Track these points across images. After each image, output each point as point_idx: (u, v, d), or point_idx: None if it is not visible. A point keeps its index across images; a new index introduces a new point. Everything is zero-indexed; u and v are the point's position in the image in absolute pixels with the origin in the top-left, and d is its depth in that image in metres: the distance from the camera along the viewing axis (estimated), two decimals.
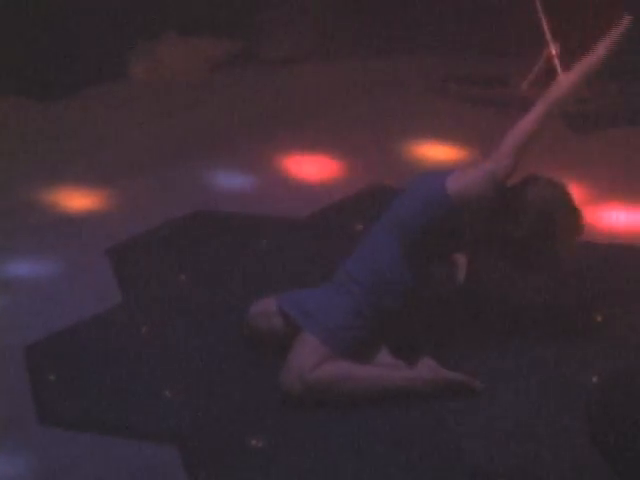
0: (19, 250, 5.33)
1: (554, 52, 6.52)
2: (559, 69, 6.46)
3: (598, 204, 5.65)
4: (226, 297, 4.91)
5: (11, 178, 5.96)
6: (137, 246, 5.34)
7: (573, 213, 4.39)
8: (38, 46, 6.94)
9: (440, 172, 4.47)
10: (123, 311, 4.86)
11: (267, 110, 6.65)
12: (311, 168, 6.02)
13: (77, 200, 5.78)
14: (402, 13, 7.48)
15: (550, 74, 6.48)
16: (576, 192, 5.49)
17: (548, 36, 6.51)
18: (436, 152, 6.17)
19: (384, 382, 4.24)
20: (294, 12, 7.73)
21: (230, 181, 5.96)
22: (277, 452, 3.96)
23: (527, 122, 4.32)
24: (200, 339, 4.63)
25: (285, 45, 7.46)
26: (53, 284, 5.11)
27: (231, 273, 5.12)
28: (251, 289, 4.79)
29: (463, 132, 6.31)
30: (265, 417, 4.17)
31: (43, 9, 6.97)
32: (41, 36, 6.94)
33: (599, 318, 4.77)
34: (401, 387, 4.23)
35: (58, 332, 4.70)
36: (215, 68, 7.33)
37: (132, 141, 6.35)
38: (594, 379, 4.24)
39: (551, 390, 4.31)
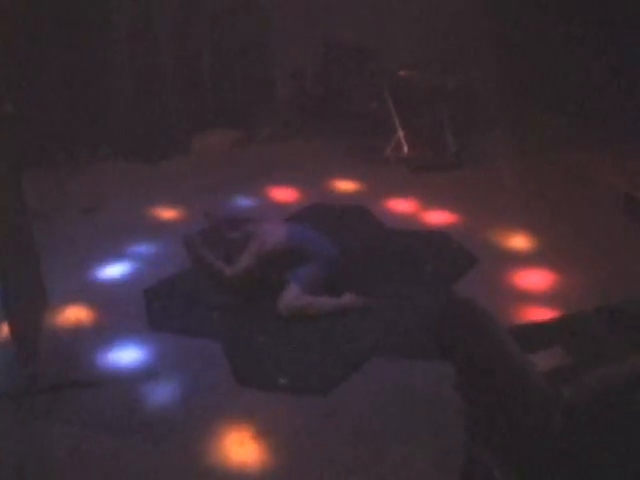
0: (140, 239, 5.25)
1: (401, 134, 6.45)
2: (404, 144, 6.40)
3: (425, 210, 5.59)
4: None
5: (130, 204, 5.81)
6: (195, 239, 5.11)
7: None
8: (146, 132, 6.85)
9: None
10: (190, 272, 4.72)
11: (261, 166, 6.51)
12: (284, 195, 5.91)
13: (166, 213, 5.64)
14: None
15: (400, 145, 6.44)
16: (413, 204, 5.52)
17: (398, 125, 6.43)
18: (345, 185, 6.07)
19: (328, 306, 4.25)
20: (274, 112, 7.51)
21: (242, 203, 5.86)
22: (274, 345, 3.99)
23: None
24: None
25: (269, 131, 7.27)
26: (158, 256, 5.05)
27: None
28: None
29: (359, 174, 6.23)
30: (268, 326, 4.16)
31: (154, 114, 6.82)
32: (148, 128, 6.83)
33: (429, 268, 4.68)
34: (336, 308, 4.24)
35: (160, 281, 4.64)
36: (234, 145, 7.12)
37: (192, 183, 6.19)
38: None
39: (406, 307, 4.30)
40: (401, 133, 6.49)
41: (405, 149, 6.46)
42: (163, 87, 6.85)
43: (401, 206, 5.66)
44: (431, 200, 5.71)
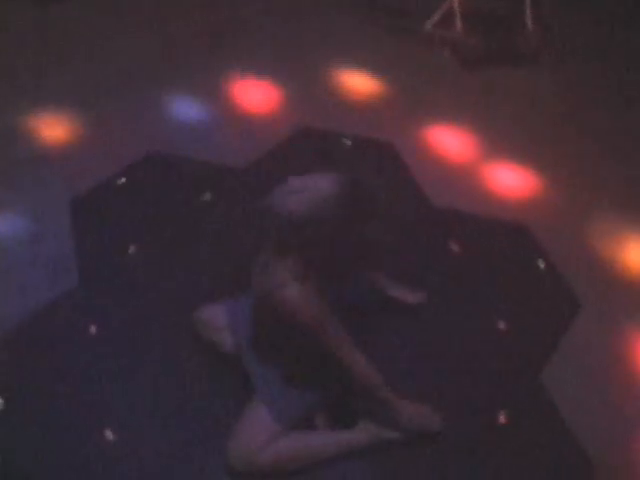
0: None
1: (455, 2, 3.75)
2: (458, 16, 3.73)
3: (488, 158, 3.28)
4: (175, 276, 2.62)
5: None
6: (97, 199, 2.88)
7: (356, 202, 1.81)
8: None
9: None
10: (77, 298, 2.53)
11: (215, 30, 3.89)
12: (253, 98, 3.44)
13: (49, 129, 3.16)
14: None
15: (451, 19, 3.77)
16: (468, 139, 3.25)
17: None
18: (357, 83, 3.59)
19: (327, 454, 2.18)
20: None
21: (185, 111, 3.31)
22: None
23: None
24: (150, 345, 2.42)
25: None
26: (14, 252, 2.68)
27: (178, 236, 2.76)
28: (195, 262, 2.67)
29: (381, 61, 3.71)
30: None
31: None
32: None
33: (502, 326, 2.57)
34: (343, 453, 2.19)
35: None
36: None
37: (110, 58, 3.62)
38: None
39: None
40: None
41: (459, 26, 3.75)
42: None
43: (449, 142, 3.29)
44: (497, 133, 3.34)
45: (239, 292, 2.34)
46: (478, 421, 2.33)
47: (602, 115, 3.50)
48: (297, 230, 1.75)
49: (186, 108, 3.30)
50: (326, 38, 3.79)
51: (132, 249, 2.64)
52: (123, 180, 2.90)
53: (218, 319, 2.29)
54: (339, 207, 1.72)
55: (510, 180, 3.16)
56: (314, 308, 1.79)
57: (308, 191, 1.72)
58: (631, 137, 3.41)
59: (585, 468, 2.25)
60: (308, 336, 1.84)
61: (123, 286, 2.52)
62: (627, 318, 2.68)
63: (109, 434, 2.14)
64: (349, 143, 3.18)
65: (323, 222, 1.73)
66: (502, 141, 3.31)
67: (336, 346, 1.89)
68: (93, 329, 2.39)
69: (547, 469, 2.26)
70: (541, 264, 2.82)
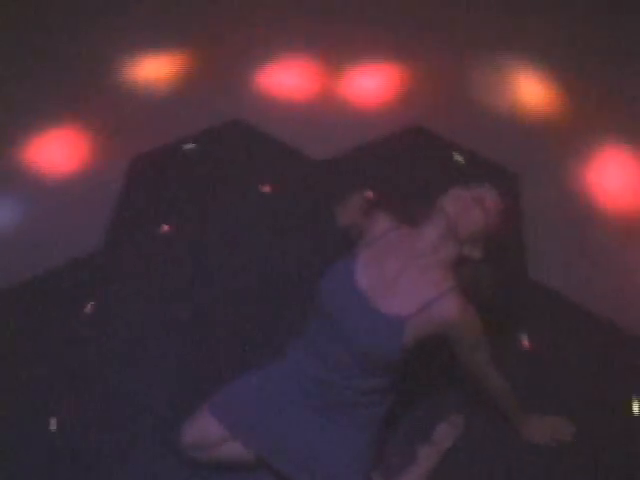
0: None
1: None
2: None
3: (335, 72, 2.81)
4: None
5: None
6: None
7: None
8: None
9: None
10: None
11: None
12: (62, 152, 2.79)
13: None
14: None
15: None
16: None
17: None
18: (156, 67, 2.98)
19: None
20: None
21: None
22: None
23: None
24: None
25: None
26: None
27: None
28: None
29: None
30: None
31: None
32: None
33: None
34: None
35: None
36: None
37: None
38: None
39: None
40: None
41: None
42: None
43: (292, 79, 2.78)
44: (336, 34, 2.87)
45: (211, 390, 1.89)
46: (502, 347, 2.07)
47: None
48: (467, 242, 1.64)
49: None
50: None
51: (52, 423, 2.11)
52: None
53: (212, 430, 1.78)
54: (501, 223, 1.68)
55: (374, 84, 2.73)
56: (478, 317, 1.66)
57: (486, 204, 1.62)
58: None
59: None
60: (457, 350, 1.68)
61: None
62: (553, 153, 2.47)
63: None
64: (193, 146, 2.63)
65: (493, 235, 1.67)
66: (346, 41, 2.84)
67: (487, 361, 1.72)
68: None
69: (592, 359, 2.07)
70: (458, 157, 2.48)
